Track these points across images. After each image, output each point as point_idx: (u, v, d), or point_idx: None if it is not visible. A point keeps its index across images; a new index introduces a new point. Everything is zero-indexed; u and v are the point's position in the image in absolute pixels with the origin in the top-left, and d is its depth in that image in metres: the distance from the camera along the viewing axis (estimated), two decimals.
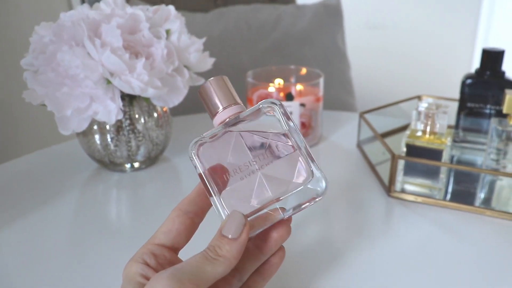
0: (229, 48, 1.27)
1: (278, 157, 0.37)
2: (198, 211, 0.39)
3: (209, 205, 0.39)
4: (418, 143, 0.66)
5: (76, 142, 0.82)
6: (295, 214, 0.38)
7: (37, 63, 0.63)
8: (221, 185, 0.37)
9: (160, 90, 0.64)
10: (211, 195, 0.37)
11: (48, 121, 0.83)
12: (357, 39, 1.95)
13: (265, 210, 0.37)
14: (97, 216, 0.63)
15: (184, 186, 0.72)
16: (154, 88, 0.63)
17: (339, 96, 1.32)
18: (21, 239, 0.58)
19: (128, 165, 0.73)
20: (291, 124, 0.38)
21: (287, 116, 0.38)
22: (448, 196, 0.66)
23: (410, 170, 0.66)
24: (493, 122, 0.66)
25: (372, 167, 0.73)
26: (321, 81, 0.79)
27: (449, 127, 0.77)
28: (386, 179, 0.67)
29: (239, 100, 0.40)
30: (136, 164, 0.74)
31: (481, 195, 0.66)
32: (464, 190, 0.68)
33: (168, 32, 0.69)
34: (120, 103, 0.64)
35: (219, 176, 0.37)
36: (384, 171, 0.70)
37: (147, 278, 0.35)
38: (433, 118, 0.65)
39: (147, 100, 0.68)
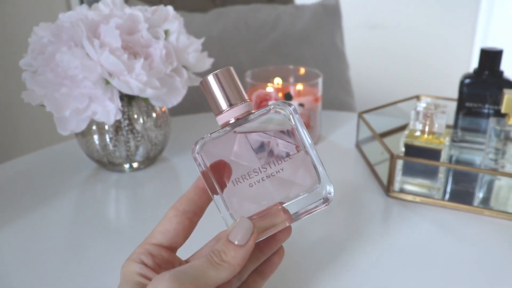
0: (228, 48, 1.27)
1: (284, 160, 0.37)
2: (196, 210, 0.38)
3: (208, 203, 0.39)
4: (416, 143, 0.66)
5: (75, 142, 0.82)
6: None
7: (36, 63, 0.63)
8: (223, 183, 0.36)
9: (158, 91, 0.64)
10: (213, 194, 0.36)
11: (47, 121, 0.83)
12: (355, 39, 1.96)
13: (268, 212, 0.37)
14: (96, 216, 0.63)
15: (183, 186, 0.72)
16: (152, 89, 0.63)
17: (338, 96, 1.32)
18: (20, 239, 0.58)
19: (127, 165, 0.73)
20: (300, 126, 0.37)
21: (298, 119, 0.37)
22: (447, 196, 0.66)
23: (408, 170, 0.66)
24: (492, 122, 0.66)
25: (370, 167, 0.73)
26: (320, 81, 0.80)
27: (448, 127, 0.77)
28: (384, 179, 0.67)
29: (245, 96, 0.38)
30: (135, 164, 0.74)
31: (479, 194, 0.66)
32: (463, 189, 0.68)
33: (166, 32, 0.69)
34: (119, 103, 0.64)
35: (221, 173, 0.36)
36: (382, 171, 0.70)
37: (146, 277, 0.35)
38: (431, 118, 0.66)
39: (145, 100, 0.68)
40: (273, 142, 0.37)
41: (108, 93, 0.63)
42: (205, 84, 0.37)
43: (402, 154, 0.67)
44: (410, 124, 0.69)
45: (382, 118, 0.83)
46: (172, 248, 0.38)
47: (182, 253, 0.40)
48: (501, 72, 0.73)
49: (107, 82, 0.62)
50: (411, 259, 0.53)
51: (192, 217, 0.38)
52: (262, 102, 0.78)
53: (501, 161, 0.66)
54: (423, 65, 2.29)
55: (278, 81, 0.83)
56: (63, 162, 0.78)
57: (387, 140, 0.81)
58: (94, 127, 0.69)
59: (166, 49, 0.66)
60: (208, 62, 0.74)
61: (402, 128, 0.85)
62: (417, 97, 0.86)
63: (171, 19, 0.70)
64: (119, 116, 0.64)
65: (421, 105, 0.68)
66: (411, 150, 0.66)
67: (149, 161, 0.75)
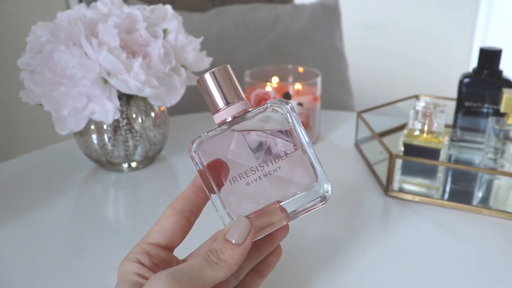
0: (226, 47, 1.27)
1: (282, 158, 0.36)
2: (193, 209, 0.38)
3: (205, 202, 0.39)
4: (415, 142, 0.66)
5: (74, 142, 0.82)
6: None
7: (34, 62, 0.62)
8: (221, 182, 0.36)
9: (157, 90, 0.64)
10: (210, 192, 0.36)
11: (45, 121, 0.83)
12: (355, 39, 1.96)
13: (266, 211, 0.37)
14: (94, 216, 0.63)
15: (181, 185, 0.72)
16: (151, 88, 0.63)
17: (337, 96, 1.32)
18: (19, 239, 0.58)
19: (125, 165, 0.73)
20: (297, 124, 0.37)
21: (295, 118, 0.37)
22: (446, 195, 0.66)
23: (407, 170, 0.66)
24: (491, 121, 0.66)
25: (370, 166, 0.73)
26: (319, 80, 0.79)
27: (447, 126, 0.77)
28: (384, 179, 0.67)
29: (243, 94, 0.37)
30: (134, 164, 0.73)
31: (478, 194, 0.66)
32: (462, 189, 0.68)
33: (165, 31, 0.68)
34: (117, 102, 0.64)
35: (218, 172, 0.36)
36: (382, 170, 0.70)
37: (143, 277, 0.35)
38: (430, 117, 0.65)
39: (144, 99, 0.68)
40: (271, 140, 0.36)
41: (106, 92, 0.63)
42: (202, 82, 0.37)
43: (401, 154, 0.67)
44: (409, 124, 0.68)
45: (381, 117, 0.83)
46: (169, 248, 0.38)
47: (180, 252, 0.39)
48: (500, 72, 0.73)
49: (106, 81, 0.62)
50: (410, 258, 0.52)
51: (189, 216, 0.38)
52: (261, 101, 0.78)
53: (500, 160, 0.66)
54: (422, 64, 2.29)
55: (275, 80, 0.83)
56: (61, 161, 0.78)
57: (386, 139, 0.81)
58: (92, 127, 0.69)
59: (164, 48, 0.66)
60: (206, 61, 0.74)
61: (401, 127, 0.85)
62: (416, 97, 0.86)
63: (170, 18, 0.69)
64: (117, 116, 0.64)
65: (420, 105, 0.68)
66: (410, 150, 0.66)
67: (147, 160, 0.75)
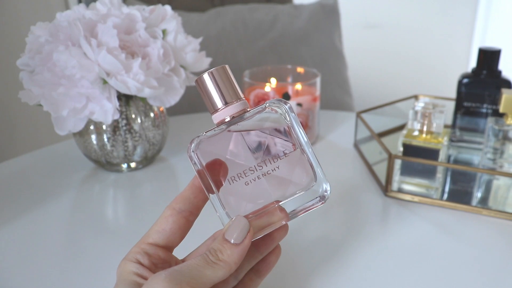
0: (225, 47, 1.27)
1: (280, 158, 0.36)
2: (192, 209, 0.38)
3: (204, 202, 0.39)
4: (415, 142, 0.66)
5: (73, 142, 0.82)
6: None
7: (33, 63, 0.62)
8: (219, 182, 0.36)
9: (156, 90, 0.64)
10: (209, 192, 0.36)
11: (44, 121, 0.83)
12: (354, 39, 1.96)
13: (265, 211, 0.37)
14: (94, 216, 0.63)
15: (181, 185, 0.72)
16: (150, 88, 0.63)
17: (336, 96, 1.32)
18: (18, 239, 0.58)
19: (124, 165, 0.73)
20: (296, 124, 0.37)
21: (294, 117, 0.37)
22: (445, 196, 0.66)
23: (407, 170, 0.66)
24: (490, 122, 0.66)
25: (369, 166, 0.73)
26: (318, 80, 0.79)
27: (446, 126, 0.77)
28: (383, 179, 0.67)
29: (241, 94, 0.38)
30: (133, 164, 0.73)
31: (478, 194, 0.66)
32: (461, 189, 0.68)
33: (164, 32, 0.68)
34: (117, 103, 0.64)
35: (217, 172, 0.36)
36: (381, 170, 0.70)
37: (142, 277, 0.35)
38: (429, 117, 0.66)
39: (143, 100, 0.68)
40: (269, 140, 0.36)
41: (105, 92, 0.63)
42: (200, 82, 0.37)
43: (400, 154, 0.67)
44: (408, 124, 0.69)
45: (380, 117, 0.83)
46: (168, 248, 0.38)
47: (179, 252, 0.39)
48: (499, 72, 0.73)
49: (105, 82, 0.62)
50: (409, 259, 0.52)
51: (188, 216, 0.38)
52: (260, 101, 0.78)
53: (499, 160, 0.66)
54: (421, 64, 2.29)
55: (274, 80, 0.83)
56: (60, 162, 0.78)
57: (385, 139, 0.81)
58: (92, 127, 0.69)
59: (163, 48, 0.66)
60: (206, 61, 0.74)
61: (400, 127, 0.86)
62: (415, 97, 0.86)
63: (169, 18, 0.69)
64: (117, 116, 0.64)
65: (419, 105, 0.68)
66: (409, 150, 0.66)
67: (147, 161, 0.75)
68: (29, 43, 0.64)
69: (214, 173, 0.36)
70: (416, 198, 0.64)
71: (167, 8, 0.70)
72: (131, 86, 0.62)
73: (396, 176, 0.66)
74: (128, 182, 0.71)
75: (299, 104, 0.77)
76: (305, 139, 0.37)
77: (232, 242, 0.34)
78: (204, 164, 0.36)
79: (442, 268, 0.51)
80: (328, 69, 1.31)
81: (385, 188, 0.65)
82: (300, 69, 0.86)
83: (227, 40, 1.27)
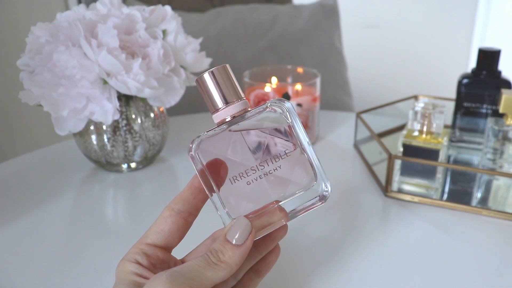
0: (225, 48, 1.27)
1: (281, 158, 0.36)
2: (191, 209, 0.38)
3: (203, 203, 0.38)
4: (414, 143, 0.66)
5: (73, 142, 0.82)
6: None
7: (34, 63, 0.62)
8: (220, 182, 0.36)
9: (156, 90, 0.64)
10: (210, 192, 0.36)
11: (44, 121, 0.83)
12: (353, 39, 1.96)
13: (265, 211, 0.37)
14: (94, 216, 0.63)
15: (181, 186, 0.72)
16: (150, 88, 0.63)
17: (335, 96, 1.32)
18: (18, 239, 0.58)
19: (125, 166, 0.73)
20: (297, 124, 0.37)
21: (295, 117, 0.37)
22: (445, 196, 0.66)
23: (406, 170, 0.66)
24: (490, 122, 0.66)
25: (369, 167, 0.73)
26: (318, 81, 0.80)
27: (446, 126, 0.77)
28: (383, 179, 0.67)
29: (242, 94, 0.37)
30: (133, 165, 0.73)
31: (477, 194, 0.66)
32: (461, 189, 0.68)
33: (164, 32, 0.68)
34: (117, 103, 0.64)
35: (217, 171, 0.36)
36: (381, 171, 0.70)
37: (142, 276, 0.35)
38: (429, 118, 0.66)
39: (143, 100, 0.68)
40: (270, 140, 0.36)
41: (106, 93, 0.63)
42: (201, 82, 0.37)
43: (400, 154, 0.67)
44: (408, 124, 0.69)
45: (380, 118, 0.83)
46: (167, 248, 0.38)
47: (178, 252, 0.39)
48: (499, 72, 0.73)
49: (105, 82, 0.62)
50: (409, 259, 0.53)
51: (187, 217, 0.38)
52: (260, 102, 0.78)
53: (499, 161, 0.66)
54: (421, 65, 2.29)
55: (274, 80, 0.83)
56: (60, 162, 0.78)
57: (385, 140, 0.81)
58: (92, 127, 0.69)
59: (164, 49, 0.66)
60: (206, 62, 0.74)
61: (400, 128, 0.86)
62: (415, 97, 0.86)
63: (169, 19, 0.69)
64: (117, 116, 0.64)
65: (419, 105, 0.68)
66: (409, 150, 0.66)
67: (147, 161, 0.75)
68: (29, 43, 0.64)
69: (215, 172, 0.36)
70: (416, 199, 0.64)
71: (167, 8, 0.70)
72: (131, 87, 0.62)
73: (396, 176, 0.67)
74: (128, 182, 0.71)
75: (299, 105, 0.77)
76: (306, 139, 0.37)
77: (233, 243, 0.34)
78: (204, 163, 0.36)
79: (442, 268, 0.51)
80: (328, 69, 1.31)
81: (385, 188, 0.65)
82: (300, 70, 0.86)
83: (227, 40, 1.27)
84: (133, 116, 0.69)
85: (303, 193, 0.37)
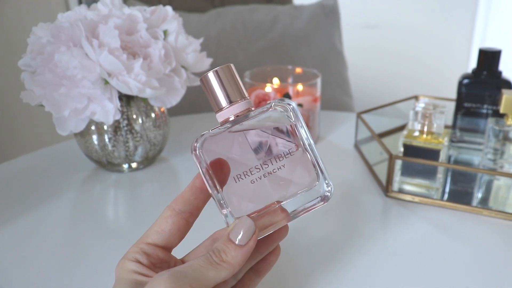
0: (226, 48, 1.27)
1: (283, 158, 0.36)
2: (192, 210, 0.38)
3: (204, 203, 0.38)
4: (415, 143, 0.66)
5: (74, 142, 0.82)
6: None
7: (35, 63, 0.62)
8: (222, 181, 0.36)
9: (157, 91, 0.64)
10: (213, 192, 0.36)
11: (46, 121, 0.83)
12: (354, 39, 1.96)
13: (267, 211, 0.37)
14: (94, 216, 0.63)
15: (182, 186, 0.72)
16: (151, 89, 0.63)
17: (336, 96, 1.32)
18: (19, 239, 0.58)
19: (125, 166, 0.73)
20: (300, 124, 0.37)
21: (298, 118, 0.37)
22: (446, 196, 0.66)
23: (407, 170, 0.66)
24: (490, 122, 0.66)
25: (369, 167, 0.73)
26: (319, 81, 0.80)
27: (446, 127, 0.77)
28: (383, 179, 0.67)
29: (246, 93, 0.38)
30: (134, 165, 0.74)
31: (478, 195, 0.66)
32: (462, 190, 0.68)
33: (165, 32, 0.69)
34: (118, 103, 0.64)
35: (220, 171, 0.36)
36: (381, 171, 0.70)
37: (142, 275, 0.35)
38: (430, 118, 0.66)
39: (144, 100, 0.68)
40: (272, 140, 0.36)
41: (107, 93, 0.63)
42: (205, 81, 0.37)
43: (400, 154, 0.67)
44: (408, 124, 0.69)
45: (380, 118, 0.83)
46: (167, 248, 0.38)
47: (179, 251, 0.39)
48: (500, 73, 0.73)
49: (106, 82, 0.62)
50: (409, 259, 0.53)
51: (188, 217, 0.37)
52: (260, 102, 0.78)
53: (499, 161, 0.66)
54: (422, 65, 2.29)
55: (276, 81, 0.84)
56: (62, 162, 0.78)
57: (386, 140, 0.82)
58: (93, 127, 0.69)
59: (165, 49, 0.66)
60: (206, 62, 0.74)
61: (401, 128, 0.86)
62: (416, 97, 0.86)
63: (170, 19, 0.70)
64: (118, 116, 0.64)
65: (420, 105, 0.68)
66: (410, 150, 0.66)
67: (148, 161, 0.75)
68: (30, 43, 0.64)
69: (218, 172, 0.36)
70: (416, 199, 0.64)
71: (168, 9, 0.70)
72: (132, 87, 0.62)
73: (397, 176, 0.67)
74: (129, 182, 0.71)
75: (299, 105, 0.77)
76: (310, 140, 0.37)
77: (237, 243, 0.34)
78: (207, 162, 0.36)
79: (442, 268, 0.51)
80: (328, 70, 1.31)
81: (386, 188, 0.65)
82: (300, 70, 0.86)
83: (227, 40, 1.27)
84: (134, 116, 0.69)
85: (306, 193, 0.37)
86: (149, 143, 0.72)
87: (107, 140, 0.69)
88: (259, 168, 0.36)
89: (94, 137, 0.69)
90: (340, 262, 0.52)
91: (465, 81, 0.74)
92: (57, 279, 0.51)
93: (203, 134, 0.36)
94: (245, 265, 0.39)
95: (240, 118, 0.36)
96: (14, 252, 0.55)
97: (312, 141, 0.37)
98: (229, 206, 0.36)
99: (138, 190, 0.69)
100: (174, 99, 0.69)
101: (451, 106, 0.79)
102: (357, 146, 0.81)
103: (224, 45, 1.27)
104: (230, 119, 0.37)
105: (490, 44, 2.12)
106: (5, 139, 1.37)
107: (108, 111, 0.64)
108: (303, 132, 0.37)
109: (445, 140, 0.66)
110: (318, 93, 0.80)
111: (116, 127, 0.69)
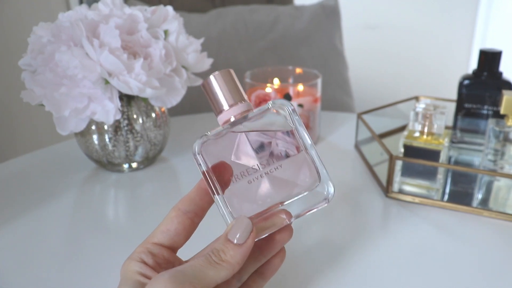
0: (226, 48, 1.27)
1: (284, 159, 0.37)
2: (197, 210, 0.38)
3: (209, 204, 0.39)
4: (415, 143, 0.66)
5: (74, 142, 0.82)
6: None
7: (35, 63, 0.62)
8: (224, 184, 0.37)
9: (158, 91, 0.64)
10: (214, 194, 0.36)
11: (46, 121, 0.83)
12: (354, 40, 1.96)
13: (269, 213, 0.37)
14: (95, 216, 0.63)
15: (182, 186, 0.72)
16: (152, 89, 0.63)
17: (336, 97, 1.32)
18: (19, 239, 0.58)
19: (126, 165, 0.73)
20: (299, 126, 0.37)
21: (297, 119, 0.37)
22: (446, 197, 0.66)
23: (407, 171, 0.66)
24: (491, 123, 0.66)
25: (370, 167, 0.73)
26: (319, 81, 0.80)
27: (447, 127, 0.77)
28: (384, 180, 0.67)
29: (245, 96, 0.38)
30: (134, 164, 0.74)
31: (478, 195, 0.66)
32: (462, 190, 0.68)
33: (166, 32, 0.69)
34: (118, 103, 0.64)
35: (222, 174, 0.36)
36: (382, 171, 0.70)
37: (146, 277, 0.35)
38: (430, 118, 0.66)
39: (145, 100, 0.68)
40: (273, 142, 0.37)
41: (107, 93, 0.63)
42: (206, 85, 0.38)
43: (401, 155, 0.67)
44: (409, 125, 0.69)
45: (381, 119, 0.83)
46: (173, 248, 0.38)
47: (184, 253, 0.39)
48: (500, 73, 0.73)
49: (107, 82, 0.62)
50: (410, 260, 0.53)
51: (193, 218, 0.38)
52: (261, 102, 0.78)
53: (500, 162, 0.66)
54: (422, 66, 2.29)
55: (276, 81, 0.84)
56: (62, 162, 0.78)
57: (386, 141, 0.82)
58: (93, 127, 0.69)
59: (165, 49, 0.66)
60: (207, 62, 0.74)
61: (401, 129, 0.86)
62: (416, 98, 0.86)
63: (171, 19, 0.70)
64: (118, 116, 0.64)
65: (420, 106, 0.68)
66: (410, 151, 0.66)
67: (148, 161, 0.75)
68: (31, 43, 0.64)
69: (219, 174, 0.36)
70: (417, 199, 0.64)
71: (169, 8, 0.70)
72: (133, 86, 0.62)
73: (397, 177, 0.67)
74: (129, 182, 0.71)
75: (300, 105, 0.77)
76: (309, 140, 0.37)
77: (235, 242, 0.34)
78: (209, 165, 0.36)
79: (443, 269, 0.51)
80: (328, 70, 1.31)
81: (386, 189, 0.65)
82: (301, 70, 0.86)
83: (228, 41, 1.27)
84: (135, 116, 0.69)
85: (307, 194, 0.37)
86: (150, 143, 0.72)
87: (107, 140, 0.69)
88: (260, 170, 0.36)
89: (95, 137, 0.69)
90: (340, 263, 0.52)
91: (466, 82, 0.74)
92: (57, 279, 0.51)
93: (203, 136, 0.37)
94: (249, 268, 0.39)
95: (240, 119, 0.37)
96: (14, 252, 0.55)
97: (311, 142, 0.37)
98: (230, 208, 0.36)
99: (139, 190, 0.69)
100: (175, 99, 0.69)
101: (452, 107, 0.79)
102: (357, 146, 0.81)
103: (225, 45, 1.27)
104: (231, 120, 0.37)
105: (491, 45, 2.12)
106: (6, 139, 1.37)
107: (108, 111, 0.64)
108: (303, 132, 0.37)
109: (446, 141, 0.66)
110: (319, 93, 0.80)
111: (116, 127, 0.69)
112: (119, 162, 0.72)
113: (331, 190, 0.37)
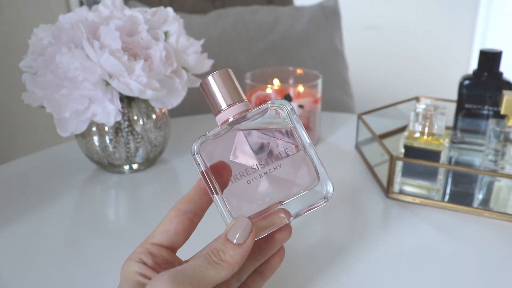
0: (227, 49, 1.27)
1: (283, 158, 0.37)
2: (197, 210, 0.38)
3: (208, 204, 0.39)
4: (416, 144, 0.66)
5: (75, 144, 0.82)
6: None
7: (36, 65, 0.63)
8: (224, 184, 0.37)
9: (158, 92, 0.64)
10: (213, 194, 0.36)
11: (47, 122, 0.83)
12: (355, 40, 1.96)
13: (268, 212, 0.37)
14: (95, 217, 0.63)
15: (182, 187, 0.72)
16: (152, 90, 0.64)
17: (337, 97, 1.32)
18: (20, 240, 0.58)
19: (126, 167, 0.73)
20: (298, 125, 0.37)
21: (296, 118, 0.37)
22: (446, 197, 0.66)
23: (408, 171, 0.66)
24: (491, 123, 0.66)
25: (370, 168, 0.73)
26: (320, 82, 0.80)
27: (447, 128, 0.77)
28: (384, 180, 0.67)
29: (244, 96, 0.38)
30: (135, 166, 0.74)
31: (479, 196, 0.66)
32: (462, 191, 0.68)
33: (166, 34, 0.69)
34: (119, 104, 0.64)
35: (221, 174, 0.36)
36: (382, 172, 0.70)
37: (146, 277, 0.35)
38: (431, 119, 0.66)
39: (145, 101, 0.68)
40: (272, 141, 0.37)
41: (108, 94, 0.63)
42: (205, 85, 0.38)
43: (401, 156, 0.67)
44: (409, 126, 0.69)
45: (381, 119, 0.83)
46: (172, 248, 0.38)
47: (184, 253, 0.40)
48: (501, 74, 0.73)
49: (107, 84, 0.62)
50: (410, 260, 0.53)
51: (192, 218, 0.38)
52: (261, 103, 0.78)
53: (500, 162, 0.66)
54: (423, 66, 2.29)
55: (277, 82, 0.84)
56: (62, 163, 0.78)
57: (387, 141, 0.82)
58: (94, 129, 0.69)
59: (166, 50, 0.66)
60: (207, 63, 0.74)
61: (402, 129, 0.86)
62: (417, 99, 0.86)
63: (171, 20, 0.70)
64: (119, 118, 0.64)
65: (421, 107, 0.68)
66: (411, 152, 0.66)
67: (149, 162, 0.75)
68: (32, 45, 0.64)
69: (218, 174, 0.36)
70: (417, 200, 0.64)
71: (169, 10, 0.70)
72: (133, 88, 0.62)
73: (398, 177, 0.67)
74: (130, 184, 0.71)
75: (300, 106, 0.77)
76: (308, 140, 0.37)
77: (234, 242, 0.34)
78: (208, 165, 0.36)
79: (443, 269, 0.51)
80: (328, 71, 1.31)
81: (387, 189, 0.65)
82: (301, 71, 0.86)
83: (228, 42, 1.28)
84: (135, 118, 0.69)
85: (306, 194, 0.37)
86: (150, 144, 0.72)
87: (108, 141, 0.69)
88: (259, 170, 0.36)
89: (95, 138, 0.69)
90: (340, 263, 0.52)
91: (466, 82, 0.74)
92: (57, 280, 0.51)
93: (202, 136, 0.37)
94: (249, 267, 0.40)
95: (238, 119, 0.37)
96: (15, 253, 0.56)
97: (310, 141, 0.37)
98: (230, 208, 0.36)
99: (139, 192, 0.69)
100: (175, 100, 0.69)
101: (452, 107, 0.79)
102: (358, 147, 0.81)
103: (225, 46, 1.27)
104: (229, 120, 0.37)
105: (491, 45, 2.12)
106: (6, 140, 1.37)
107: (109, 112, 0.64)
108: (301, 132, 0.37)
109: (446, 141, 0.66)
110: (319, 94, 0.80)
111: (117, 128, 0.69)
112: (119, 163, 0.72)
113: (330, 189, 0.37)
